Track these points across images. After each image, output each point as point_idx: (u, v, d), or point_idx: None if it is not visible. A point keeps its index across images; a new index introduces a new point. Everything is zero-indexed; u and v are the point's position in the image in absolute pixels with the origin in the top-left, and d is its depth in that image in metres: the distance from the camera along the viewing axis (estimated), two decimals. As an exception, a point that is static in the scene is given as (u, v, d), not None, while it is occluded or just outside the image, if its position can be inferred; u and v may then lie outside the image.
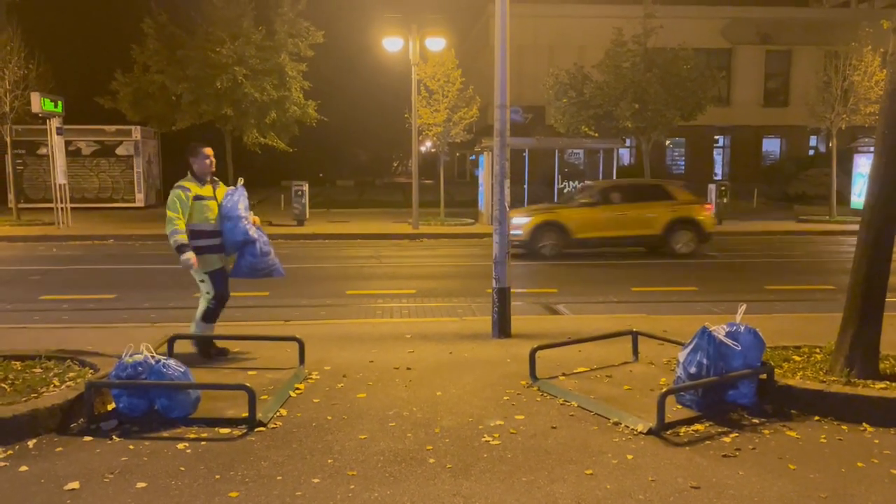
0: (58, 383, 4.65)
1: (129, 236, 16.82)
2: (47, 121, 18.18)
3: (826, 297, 9.28)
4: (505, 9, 6.60)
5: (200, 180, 5.66)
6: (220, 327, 7.23)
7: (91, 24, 28.82)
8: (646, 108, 19.31)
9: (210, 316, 5.79)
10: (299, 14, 18.53)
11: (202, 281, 5.70)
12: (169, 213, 5.48)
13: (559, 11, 30.86)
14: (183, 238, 5.43)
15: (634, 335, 5.88)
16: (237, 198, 5.72)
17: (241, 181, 5.98)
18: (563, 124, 21.09)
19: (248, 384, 4.40)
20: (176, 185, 5.60)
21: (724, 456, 3.90)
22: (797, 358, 5.20)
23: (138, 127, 22.97)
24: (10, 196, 19.98)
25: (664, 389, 4.50)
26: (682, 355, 4.71)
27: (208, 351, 5.79)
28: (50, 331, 6.94)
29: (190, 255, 5.43)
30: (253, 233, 5.66)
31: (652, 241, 13.63)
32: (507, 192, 6.65)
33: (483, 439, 4.12)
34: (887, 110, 4.74)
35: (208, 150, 5.74)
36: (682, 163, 34.82)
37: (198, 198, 5.57)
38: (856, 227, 5.14)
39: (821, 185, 25.19)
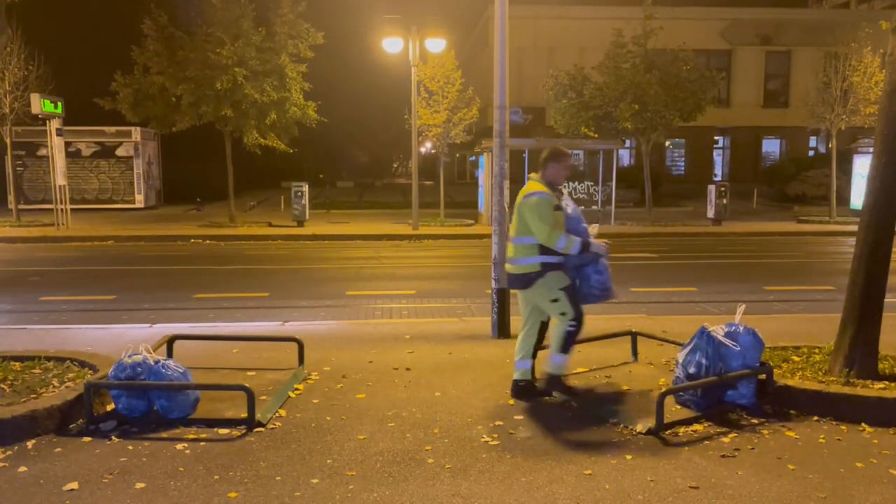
0: (57, 384, 4.65)
1: (128, 237, 16.83)
2: (47, 122, 18.18)
3: (825, 297, 9.28)
4: (504, 10, 6.61)
5: (552, 189, 4.80)
6: (220, 328, 7.26)
7: (91, 25, 28.82)
8: (646, 109, 19.31)
9: (569, 343, 4.75)
10: (299, 15, 18.50)
11: (555, 300, 4.72)
12: (542, 226, 4.60)
13: (559, 13, 30.90)
14: (574, 238, 4.63)
15: (633, 335, 5.88)
16: (577, 208, 4.89)
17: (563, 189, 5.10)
18: (562, 125, 21.10)
19: (247, 385, 4.39)
20: (533, 192, 4.70)
21: (723, 456, 3.90)
22: (796, 358, 5.20)
23: (138, 128, 22.96)
24: (10, 197, 19.99)
25: (663, 390, 4.50)
26: (681, 356, 4.72)
27: (568, 386, 4.87)
28: (49, 332, 6.93)
29: (600, 241, 4.73)
30: (602, 248, 4.79)
31: None
32: (506, 192, 6.65)
33: (482, 440, 4.12)
34: (886, 111, 4.74)
35: (569, 158, 4.99)
36: (682, 163, 34.87)
37: (556, 208, 4.70)
38: (855, 227, 5.14)
39: (820, 185, 25.23)
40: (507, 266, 4.92)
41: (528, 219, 4.68)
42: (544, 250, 4.68)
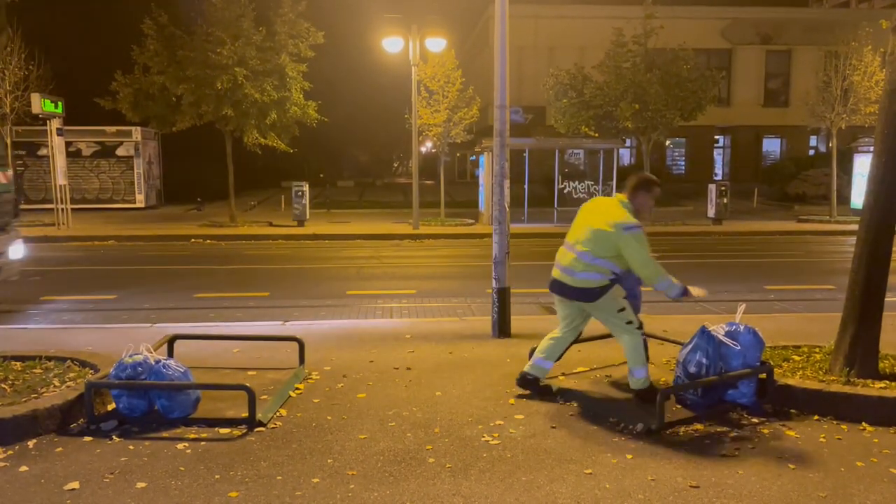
0: (58, 384, 4.65)
1: (129, 237, 16.83)
2: (47, 122, 18.19)
3: (826, 296, 9.28)
4: (505, 9, 6.60)
5: (638, 218, 4.68)
6: (221, 328, 7.26)
7: (91, 24, 28.82)
8: (646, 108, 19.31)
9: (646, 351, 4.77)
10: (300, 15, 18.49)
11: (622, 309, 4.66)
12: (648, 262, 4.50)
13: (559, 12, 30.90)
14: (676, 282, 4.54)
15: (634, 335, 5.87)
16: None
17: None
18: (563, 125, 21.10)
19: (247, 384, 4.39)
20: (631, 225, 4.53)
21: (724, 455, 3.90)
22: (797, 357, 5.20)
23: (138, 128, 22.97)
24: (11, 197, 19.97)
25: (664, 389, 4.51)
26: (681, 355, 4.72)
27: (654, 393, 4.58)
28: (50, 331, 6.94)
29: (697, 290, 4.61)
30: (700, 295, 4.74)
31: None
32: (506, 192, 6.65)
33: (483, 439, 4.13)
34: (886, 110, 4.74)
35: (659, 188, 4.88)
36: (683, 163, 34.85)
37: None
38: (856, 227, 5.14)
39: (821, 184, 25.24)
40: (565, 277, 4.71)
41: (627, 252, 4.50)
42: (612, 269, 4.60)
